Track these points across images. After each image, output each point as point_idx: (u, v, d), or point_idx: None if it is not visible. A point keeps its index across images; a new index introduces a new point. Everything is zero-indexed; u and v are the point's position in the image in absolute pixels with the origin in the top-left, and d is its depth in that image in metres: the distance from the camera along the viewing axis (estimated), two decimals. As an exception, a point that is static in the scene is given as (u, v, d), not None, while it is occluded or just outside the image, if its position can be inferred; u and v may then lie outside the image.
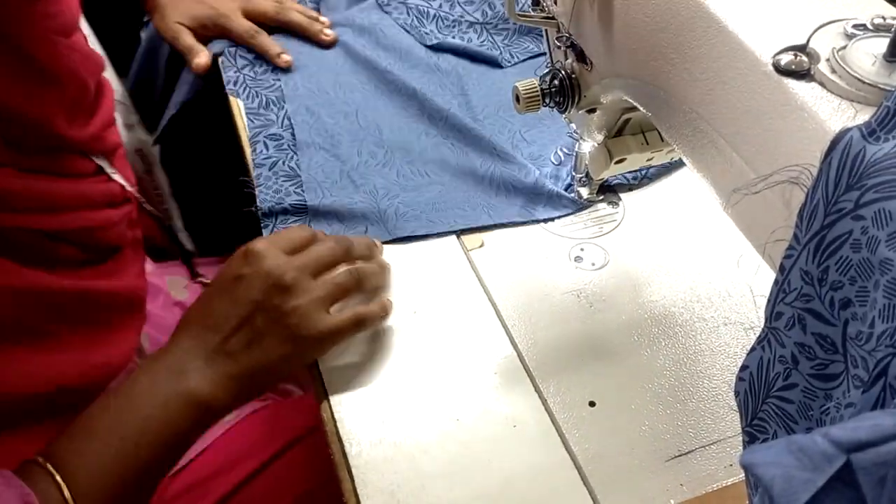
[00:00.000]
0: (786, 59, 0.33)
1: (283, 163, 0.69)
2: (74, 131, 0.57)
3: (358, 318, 0.54)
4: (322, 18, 0.83)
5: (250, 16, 0.81)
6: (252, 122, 0.73)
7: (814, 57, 0.32)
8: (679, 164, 0.69)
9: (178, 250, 0.82)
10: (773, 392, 0.34)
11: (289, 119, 0.73)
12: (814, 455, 0.23)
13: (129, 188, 0.64)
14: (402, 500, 0.48)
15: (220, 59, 0.81)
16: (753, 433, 0.36)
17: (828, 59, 0.32)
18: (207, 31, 0.81)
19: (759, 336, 0.34)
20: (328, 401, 0.54)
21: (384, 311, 0.57)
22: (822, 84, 0.32)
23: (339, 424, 0.53)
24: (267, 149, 0.71)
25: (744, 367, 0.35)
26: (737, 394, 0.36)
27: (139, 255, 0.68)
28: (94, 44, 0.71)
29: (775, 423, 0.34)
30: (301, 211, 0.65)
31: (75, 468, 0.47)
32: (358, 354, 0.57)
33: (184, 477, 0.64)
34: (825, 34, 0.33)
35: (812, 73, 0.32)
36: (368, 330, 0.57)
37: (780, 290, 0.32)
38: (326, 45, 0.81)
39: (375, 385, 0.55)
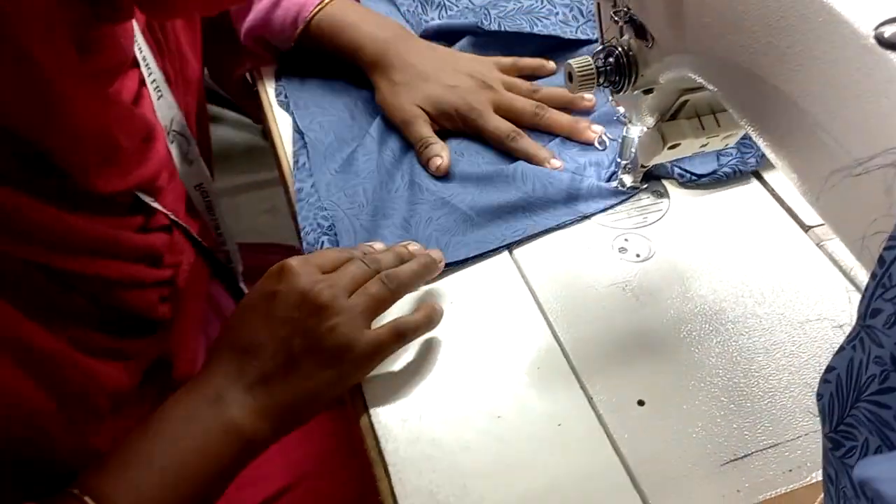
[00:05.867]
0: (890, 30, 0.30)
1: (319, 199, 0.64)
2: (102, 182, 0.48)
3: (398, 329, 0.51)
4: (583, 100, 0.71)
5: (505, 113, 0.67)
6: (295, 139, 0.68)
7: (923, 28, 0.29)
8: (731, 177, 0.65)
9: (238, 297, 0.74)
10: (865, 396, 0.31)
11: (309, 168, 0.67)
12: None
13: (180, 222, 0.56)
14: (442, 500, 0.46)
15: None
16: (838, 440, 0.33)
17: (940, 31, 0.29)
18: (449, 123, 0.67)
19: (850, 335, 0.31)
20: (362, 394, 0.52)
21: (428, 319, 0.53)
22: (933, 58, 0.29)
23: (373, 419, 0.50)
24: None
25: (830, 369, 0.32)
26: (819, 396, 0.33)
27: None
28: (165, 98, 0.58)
29: (867, 430, 0.31)
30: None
31: (115, 502, 0.44)
32: (393, 346, 0.54)
33: None
34: (935, 3, 0.30)
35: (922, 45, 0.29)
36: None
37: (878, 285, 0.29)
38: (592, 142, 0.67)
39: (412, 379, 0.52)
